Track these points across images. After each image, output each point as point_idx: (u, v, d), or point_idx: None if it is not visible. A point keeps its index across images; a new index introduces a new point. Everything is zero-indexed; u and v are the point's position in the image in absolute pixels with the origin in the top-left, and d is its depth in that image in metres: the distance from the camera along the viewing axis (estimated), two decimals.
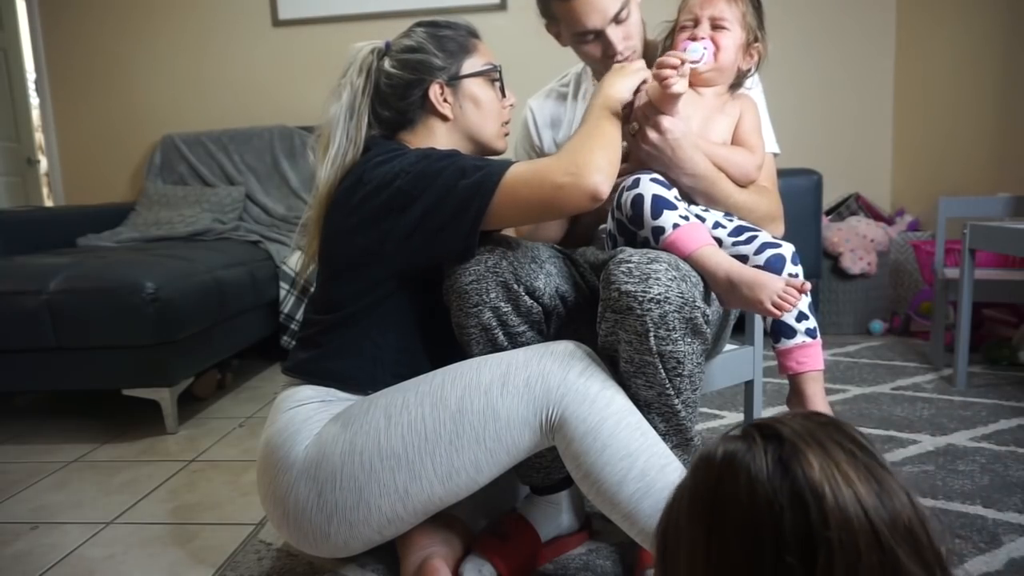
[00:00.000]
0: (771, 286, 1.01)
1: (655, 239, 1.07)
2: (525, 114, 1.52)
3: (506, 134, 1.27)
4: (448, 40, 1.20)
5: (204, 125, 3.48)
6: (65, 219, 3.04)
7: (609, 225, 1.18)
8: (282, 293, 2.69)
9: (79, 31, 3.60)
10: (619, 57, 1.29)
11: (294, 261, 2.72)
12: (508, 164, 1.05)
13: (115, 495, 1.63)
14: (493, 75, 1.23)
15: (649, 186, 1.08)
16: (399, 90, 1.18)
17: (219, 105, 3.56)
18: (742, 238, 1.15)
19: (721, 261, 1.05)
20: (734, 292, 1.04)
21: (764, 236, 1.15)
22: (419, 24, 1.23)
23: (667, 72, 1.06)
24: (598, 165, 1.00)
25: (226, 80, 3.55)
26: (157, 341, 1.96)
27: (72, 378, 2.02)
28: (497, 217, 1.04)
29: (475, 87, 1.21)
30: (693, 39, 1.21)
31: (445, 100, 1.19)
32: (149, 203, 3.20)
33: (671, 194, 1.09)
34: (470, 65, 1.21)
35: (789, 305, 1.01)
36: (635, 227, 1.10)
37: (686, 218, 1.07)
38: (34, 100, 3.88)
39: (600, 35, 1.27)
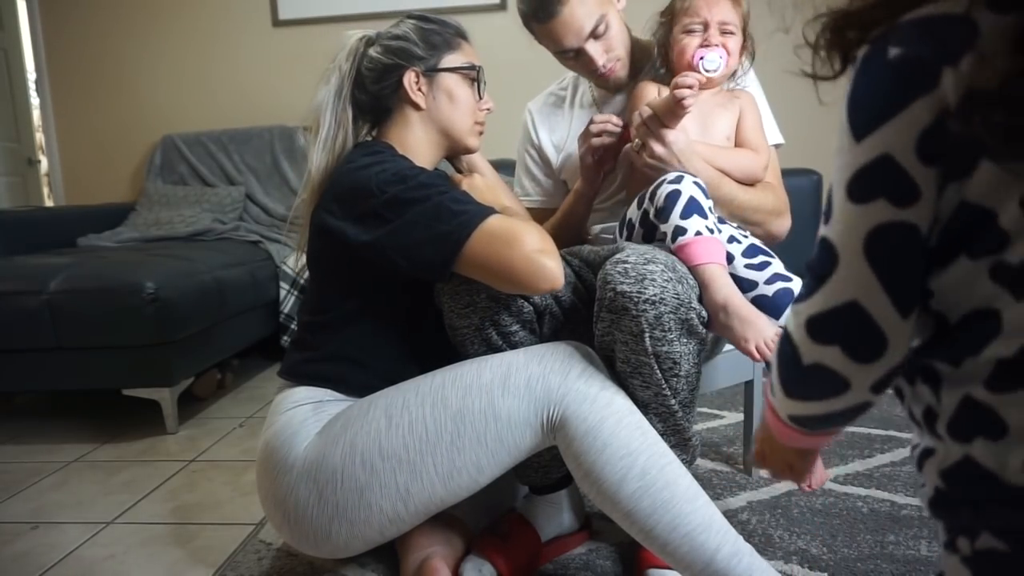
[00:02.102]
0: (763, 331, 1.01)
1: (672, 238, 1.07)
2: (525, 117, 1.53)
3: (480, 133, 1.26)
4: (433, 34, 1.19)
5: (204, 125, 3.48)
6: (65, 219, 3.04)
7: (631, 213, 1.18)
8: (282, 293, 2.69)
9: (79, 31, 3.60)
10: (601, 70, 1.29)
11: (294, 261, 2.72)
12: (480, 217, 1.00)
13: (115, 495, 1.63)
14: (471, 74, 1.22)
15: (690, 187, 1.08)
16: (376, 74, 1.18)
17: (219, 105, 3.56)
18: (755, 261, 1.13)
19: (724, 285, 1.04)
20: (724, 319, 1.03)
21: (777, 265, 1.14)
22: (410, 16, 1.23)
23: (686, 92, 1.07)
24: (558, 259, 0.99)
25: (226, 80, 3.55)
26: (157, 341, 1.96)
27: (72, 378, 2.02)
28: (460, 268, 1.03)
29: (451, 82, 1.20)
30: (706, 45, 1.21)
31: (419, 89, 1.18)
32: (149, 203, 3.20)
33: (707, 203, 1.08)
34: (450, 60, 1.20)
35: (771, 355, 1.01)
36: (659, 221, 1.10)
37: (711, 231, 1.07)
38: (34, 100, 3.89)
39: (580, 53, 1.28)
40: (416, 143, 1.20)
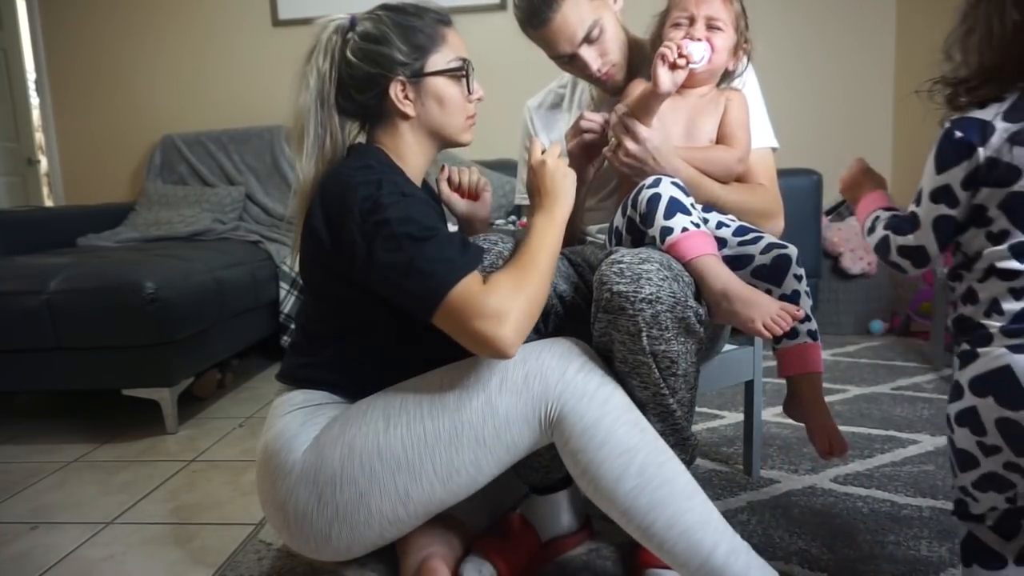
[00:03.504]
0: (766, 307, 1.01)
1: (661, 239, 1.07)
2: (524, 115, 1.53)
3: (471, 126, 1.21)
4: (415, 31, 1.13)
5: (204, 125, 3.48)
6: (65, 219, 3.04)
7: (617, 221, 1.17)
8: (282, 293, 2.69)
9: (79, 31, 3.60)
10: (597, 75, 1.30)
11: (293, 261, 2.72)
12: (446, 288, 0.97)
13: (115, 495, 1.63)
14: (459, 74, 1.16)
15: (669, 187, 1.08)
16: (359, 82, 1.13)
17: (219, 105, 3.56)
18: (747, 237, 1.14)
19: (721, 273, 1.04)
20: (727, 306, 1.03)
21: (769, 237, 1.15)
22: (385, 7, 1.16)
23: (666, 51, 1.08)
24: (519, 326, 0.96)
25: (226, 80, 3.55)
26: (157, 341, 1.96)
27: (72, 378, 2.02)
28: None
29: (439, 85, 1.14)
30: (690, 38, 1.20)
31: (406, 98, 1.13)
32: (149, 203, 3.21)
33: (688, 200, 1.08)
34: (435, 61, 1.14)
35: (779, 329, 1.00)
36: (645, 226, 1.09)
37: (697, 225, 1.07)
38: (34, 100, 3.89)
39: (574, 58, 1.28)
40: (408, 150, 1.17)
